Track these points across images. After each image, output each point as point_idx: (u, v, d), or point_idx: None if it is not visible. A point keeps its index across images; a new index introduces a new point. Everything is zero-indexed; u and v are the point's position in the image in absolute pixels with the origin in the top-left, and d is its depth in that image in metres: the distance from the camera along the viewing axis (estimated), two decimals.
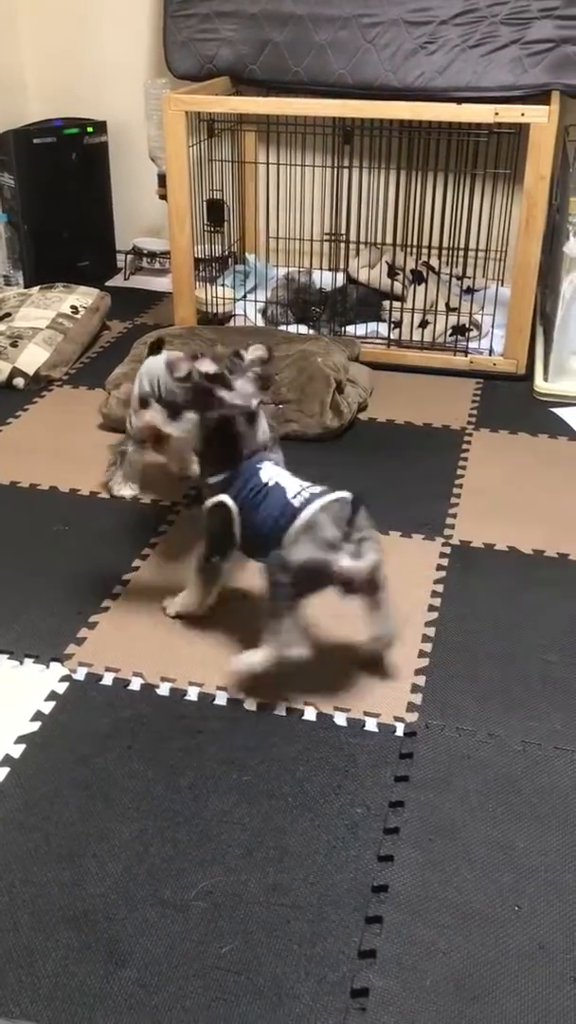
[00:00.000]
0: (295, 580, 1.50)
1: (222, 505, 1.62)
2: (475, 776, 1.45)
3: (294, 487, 1.59)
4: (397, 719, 1.56)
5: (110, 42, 3.53)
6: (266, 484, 1.60)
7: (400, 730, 1.54)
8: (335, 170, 3.28)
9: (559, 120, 2.63)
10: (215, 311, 3.07)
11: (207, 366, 1.59)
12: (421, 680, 1.65)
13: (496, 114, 2.57)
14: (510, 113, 2.57)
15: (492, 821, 1.38)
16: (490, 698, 1.61)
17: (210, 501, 1.64)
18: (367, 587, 1.55)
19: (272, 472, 1.62)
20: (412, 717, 1.56)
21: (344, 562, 1.48)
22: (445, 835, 1.35)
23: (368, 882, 1.28)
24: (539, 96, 2.90)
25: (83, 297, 3.05)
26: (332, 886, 1.27)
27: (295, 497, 1.56)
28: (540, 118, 2.54)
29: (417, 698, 1.60)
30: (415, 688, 1.63)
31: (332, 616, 1.81)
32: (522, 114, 2.56)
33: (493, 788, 1.43)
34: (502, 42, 2.95)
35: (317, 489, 1.58)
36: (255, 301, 3.15)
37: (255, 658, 1.57)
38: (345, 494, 1.54)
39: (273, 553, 1.53)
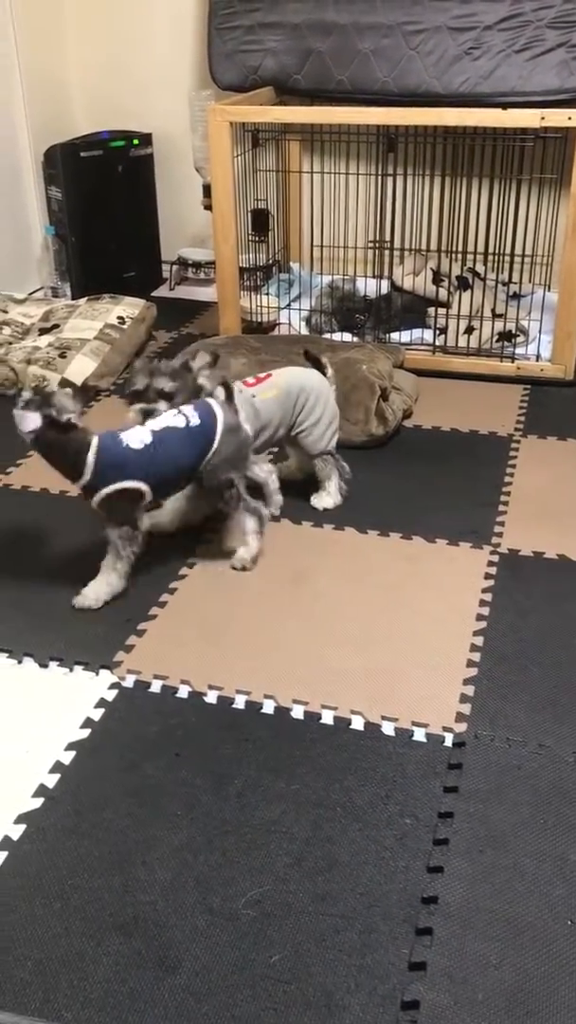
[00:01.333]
0: (235, 469, 1.93)
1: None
2: (525, 787, 1.44)
3: (172, 419, 1.89)
4: (446, 729, 1.55)
5: (155, 54, 3.57)
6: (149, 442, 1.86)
7: (449, 740, 1.53)
8: (379, 178, 3.28)
9: None
10: (260, 320, 3.09)
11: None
12: (470, 690, 1.63)
13: (542, 118, 2.55)
14: (557, 117, 2.55)
15: (543, 833, 1.36)
16: (540, 709, 1.59)
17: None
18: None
19: (138, 434, 1.87)
20: (461, 727, 1.55)
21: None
22: (495, 847, 1.34)
23: (418, 893, 1.27)
24: None
25: (129, 308, 3.08)
26: (381, 897, 1.27)
27: (185, 424, 1.89)
28: None
29: (466, 708, 1.59)
30: (464, 698, 1.61)
31: (380, 627, 1.81)
32: (569, 118, 2.53)
33: (544, 799, 1.41)
34: (548, 46, 2.92)
35: (188, 408, 1.93)
36: (299, 309, 3.16)
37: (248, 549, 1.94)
38: (219, 395, 1.91)
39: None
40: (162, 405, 1.98)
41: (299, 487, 2.27)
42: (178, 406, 1.96)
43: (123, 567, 1.87)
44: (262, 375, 2.15)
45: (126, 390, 2.04)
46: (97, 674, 1.68)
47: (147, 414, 1.97)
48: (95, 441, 1.80)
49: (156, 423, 1.89)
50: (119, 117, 3.67)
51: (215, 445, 1.88)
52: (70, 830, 1.37)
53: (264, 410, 2.08)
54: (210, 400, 1.95)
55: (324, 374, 2.17)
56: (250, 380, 2.13)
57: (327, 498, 2.21)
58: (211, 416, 1.90)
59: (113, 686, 1.65)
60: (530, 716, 1.57)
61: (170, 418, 1.90)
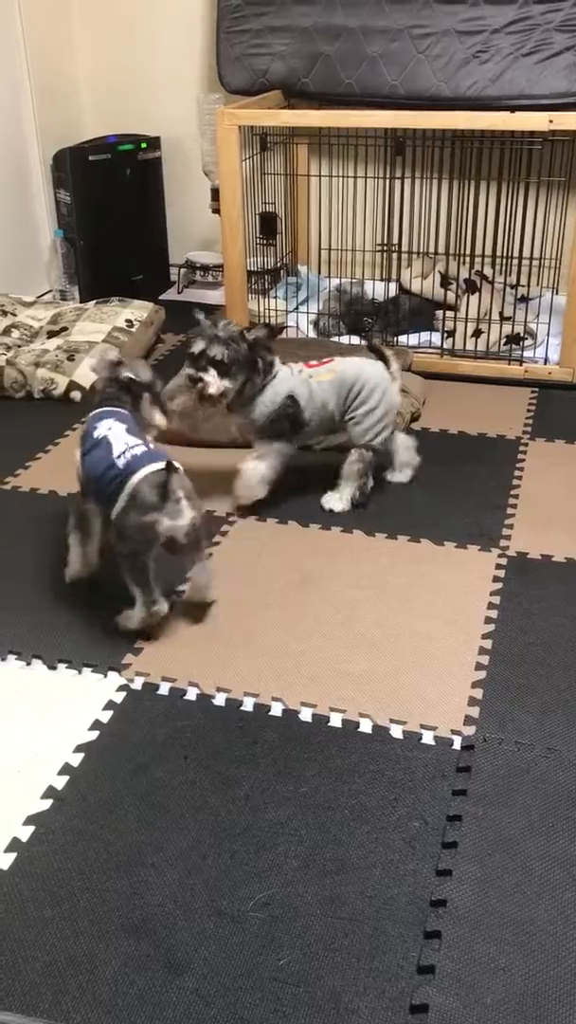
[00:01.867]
0: (130, 544, 1.68)
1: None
2: (534, 791, 1.43)
3: (120, 445, 1.73)
4: (454, 732, 1.55)
5: (164, 58, 3.58)
6: (97, 438, 1.77)
7: (457, 743, 1.53)
8: (387, 181, 3.28)
9: None
10: (268, 323, 3.09)
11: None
12: (478, 693, 1.63)
13: (551, 121, 2.55)
14: (565, 120, 2.55)
15: (552, 836, 1.36)
16: (549, 712, 1.59)
17: None
18: (189, 543, 1.72)
19: (106, 427, 1.78)
20: (469, 730, 1.55)
21: (165, 523, 1.67)
22: (504, 850, 1.34)
23: (426, 896, 1.27)
24: None
25: (138, 311, 3.09)
26: (390, 900, 1.27)
27: (119, 457, 1.71)
28: None
29: (474, 711, 1.59)
30: (472, 701, 1.61)
31: (389, 630, 1.81)
32: None
33: (553, 803, 1.41)
34: (556, 49, 2.92)
35: (139, 451, 1.72)
36: (307, 313, 3.16)
37: (131, 622, 1.75)
38: (159, 463, 1.67)
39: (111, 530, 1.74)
40: (211, 374, 2.01)
41: (310, 488, 2.27)
42: (234, 376, 2.02)
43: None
44: (325, 359, 2.20)
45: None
46: (106, 676, 1.68)
47: (194, 381, 2.03)
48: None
49: None
50: (128, 121, 3.68)
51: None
52: (79, 832, 1.37)
53: (318, 392, 2.12)
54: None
55: (387, 367, 2.18)
56: (313, 362, 2.18)
57: (337, 501, 2.22)
58: None
59: (121, 688, 1.66)
60: (539, 719, 1.57)
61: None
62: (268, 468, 2.15)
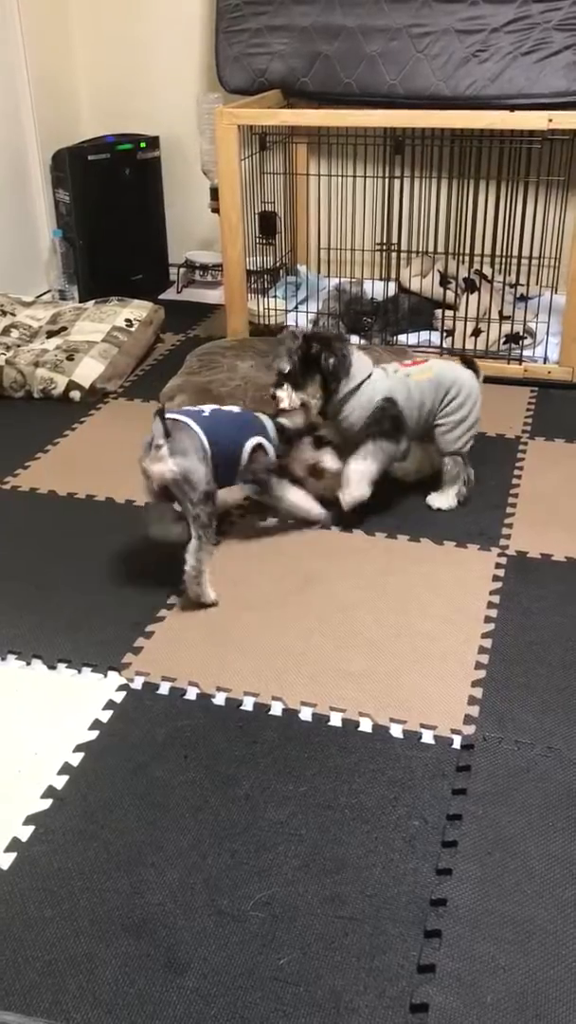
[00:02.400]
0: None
1: None
2: (534, 789, 1.43)
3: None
4: (454, 731, 1.55)
5: (162, 58, 3.58)
6: None
7: (457, 742, 1.53)
8: (386, 180, 3.28)
9: None
10: (267, 322, 3.09)
11: None
12: (478, 692, 1.63)
13: (550, 120, 2.55)
14: (565, 119, 2.55)
15: (552, 835, 1.36)
16: (549, 711, 1.59)
17: None
18: (178, 495, 1.86)
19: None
20: (469, 729, 1.55)
21: (146, 464, 1.85)
22: (504, 849, 1.34)
23: (426, 895, 1.27)
24: None
25: (137, 310, 3.09)
26: (390, 899, 1.27)
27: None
28: None
29: (474, 710, 1.59)
30: (472, 700, 1.61)
31: (388, 629, 1.81)
32: None
33: (553, 802, 1.41)
34: (555, 48, 2.92)
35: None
36: (307, 312, 3.16)
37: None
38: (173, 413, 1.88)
39: None
40: (284, 389, 2.03)
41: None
42: (308, 386, 2.02)
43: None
44: (420, 359, 2.18)
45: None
46: (105, 676, 1.69)
47: (273, 398, 2.06)
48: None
49: None
50: (126, 120, 3.68)
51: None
52: (79, 832, 1.37)
53: (416, 391, 2.08)
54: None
55: (477, 377, 2.16)
56: (407, 362, 2.16)
57: (443, 499, 2.19)
58: None
59: (121, 688, 1.66)
60: (539, 718, 1.57)
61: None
62: (374, 466, 2.08)
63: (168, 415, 1.85)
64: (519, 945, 1.20)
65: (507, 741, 1.52)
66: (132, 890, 1.28)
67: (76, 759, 1.50)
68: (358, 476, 2.08)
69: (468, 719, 1.57)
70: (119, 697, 1.63)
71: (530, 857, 1.32)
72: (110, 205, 3.50)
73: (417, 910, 1.25)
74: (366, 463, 2.08)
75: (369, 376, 2.07)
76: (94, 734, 1.55)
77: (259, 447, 1.98)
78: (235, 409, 2.02)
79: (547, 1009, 1.13)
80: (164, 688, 1.65)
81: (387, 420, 2.06)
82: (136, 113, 3.68)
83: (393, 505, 2.23)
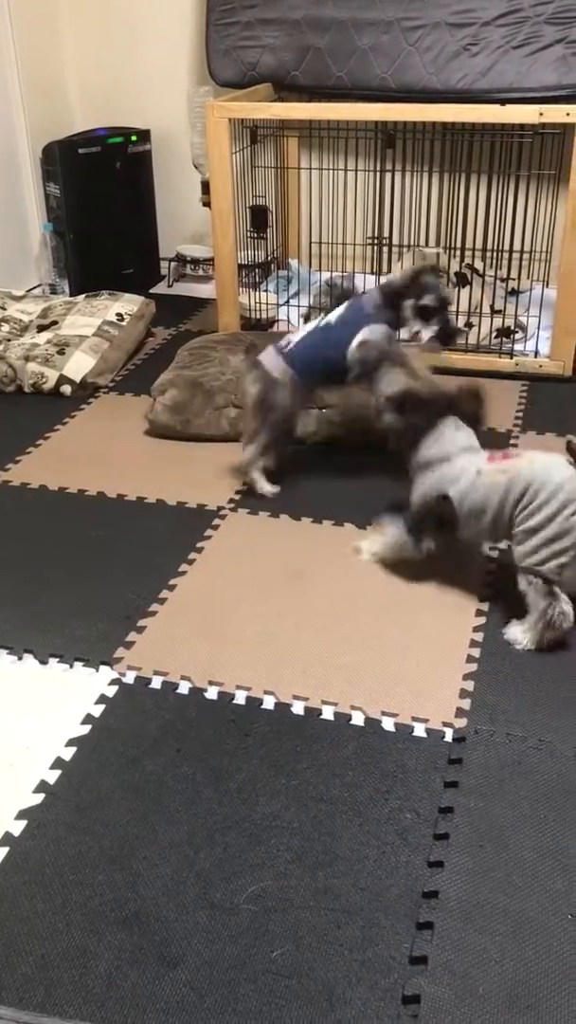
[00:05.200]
0: None
1: None
2: (526, 782, 1.44)
3: None
4: (446, 724, 1.55)
5: (153, 51, 3.56)
6: None
7: (449, 735, 1.53)
8: (377, 174, 3.28)
9: None
10: (258, 317, 3.09)
11: None
12: (470, 685, 1.63)
13: (541, 114, 2.55)
14: (555, 113, 2.55)
15: (544, 828, 1.36)
16: (540, 704, 1.59)
17: None
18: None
19: None
20: (461, 723, 1.55)
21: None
22: (496, 841, 1.34)
23: (418, 888, 1.27)
24: None
25: (128, 304, 3.08)
26: (382, 891, 1.27)
27: None
28: None
29: (466, 703, 1.59)
30: (464, 693, 1.62)
31: (380, 622, 1.81)
32: (567, 114, 2.53)
33: (544, 794, 1.42)
34: (546, 41, 2.92)
35: None
36: (298, 306, 3.16)
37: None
38: None
39: None
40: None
41: (301, 481, 2.27)
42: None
43: None
44: (513, 453, 1.80)
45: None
46: (97, 670, 1.68)
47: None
48: None
49: None
50: (117, 114, 3.66)
51: None
52: (71, 826, 1.37)
53: (478, 492, 1.75)
54: None
55: None
56: (497, 455, 1.80)
57: (521, 634, 1.73)
58: None
59: (113, 682, 1.65)
60: (530, 711, 1.58)
61: None
62: (390, 540, 1.93)
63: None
64: (510, 936, 1.21)
65: (499, 734, 1.53)
66: (125, 884, 1.28)
67: (68, 753, 1.50)
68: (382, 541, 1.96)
69: (460, 712, 1.58)
70: (111, 691, 1.63)
71: (521, 849, 1.33)
72: (101, 199, 3.48)
73: (409, 902, 1.26)
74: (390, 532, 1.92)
75: (447, 460, 1.81)
76: (86, 728, 1.55)
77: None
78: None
79: (538, 1000, 1.13)
80: (156, 682, 1.65)
81: (432, 517, 1.83)
82: (127, 106, 3.67)
83: (384, 498, 2.23)
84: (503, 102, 2.72)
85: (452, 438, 1.83)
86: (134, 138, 3.55)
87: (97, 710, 1.59)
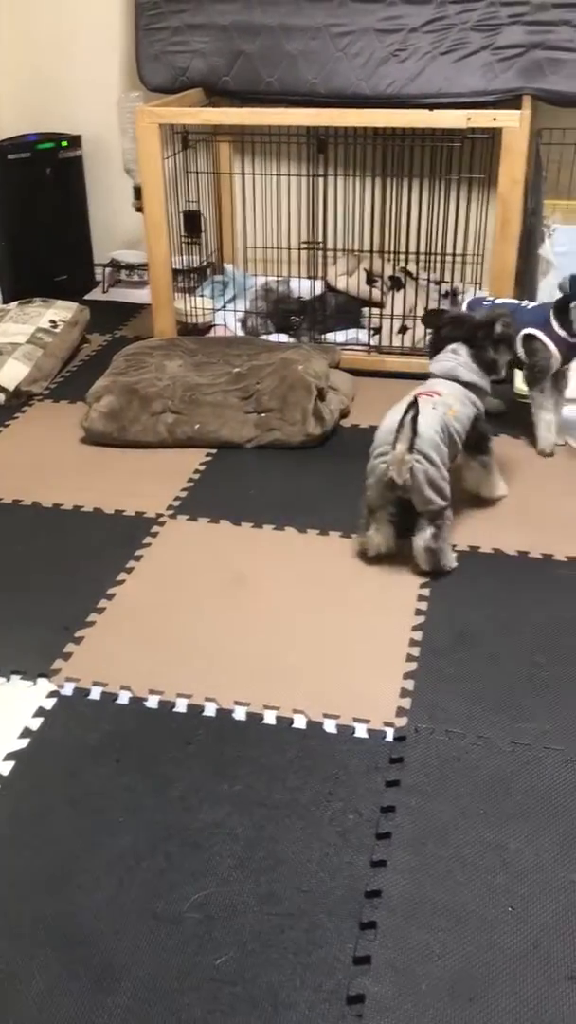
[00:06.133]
0: None
1: None
2: (466, 778, 1.46)
3: None
4: (387, 724, 1.56)
5: (83, 56, 3.53)
6: None
7: (390, 735, 1.54)
8: (311, 179, 3.30)
9: (531, 124, 2.65)
10: (195, 322, 3.08)
11: None
12: (410, 684, 1.65)
13: (468, 119, 2.59)
14: (482, 118, 2.59)
15: (484, 822, 1.38)
16: (479, 700, 1.61)
17: None
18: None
19: None
20: (401, 722, 1.57)
21: None
22: (437, 838, 1.35)
23: (361, 888, 1.28)
24: (511, 101, 2.92)
25: (62, 311, 3.04)
26: (326, 893, 1.27)
27: None
28: (512, 122, 2.55)
29: (406, 702, 1.61)
30: (404, 692, 1.63)
31: (321, 625, 1.82)
32: (494, 119, 2.57)
33: (484, 790, 1.44)
34: (472, 48, 2.97)
35: None
36: (235, 311, 3.16)
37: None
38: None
39: None
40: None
41: (239, 487, 2.26)
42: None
43: None
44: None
45: None
46: (35, 683, 1.66)
47: None
48: None
49: None
50: (47, 119, 3.62)
51: None
52: (9, 840, 1.35)
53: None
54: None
55: None
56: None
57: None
58: None
59: (52, 694, 1.63)
60: (468, 707, 1.59)
61: None
62: None
63: None
64: (452, 932, 1.22)
65: (438, 732, 1.55)
66: (66, 898, 1.27)
67: (6, 768, 1.48)
68: None
69: (400, 711, 1.59)
70: (49, 704, 1.61)
71: (462, 845, 1.34)
72: (32, 205, 3.44)
73: (353, 903, 1.26)
74: None
75: None
76: (24, 742, 1.53)
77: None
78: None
79: (480, 992, 1.15)
80: (96, 693, 1.64)
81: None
82: (57, 112, 3.63)
83: (323, 502, 2.24)
84: (432, 107, 2.75)
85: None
86: (64, 144, 3.52)
87: (35, 723, 1.57)
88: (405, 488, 1.88)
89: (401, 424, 1.87)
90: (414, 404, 1.88)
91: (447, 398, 2.02)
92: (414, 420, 1.86)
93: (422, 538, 1.92)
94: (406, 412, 1.87)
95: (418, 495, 1.89)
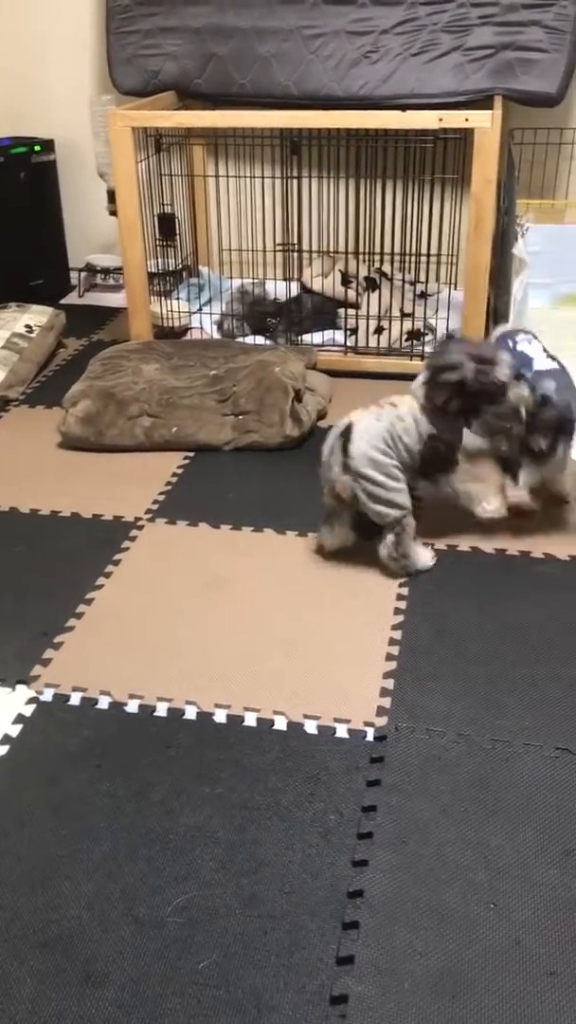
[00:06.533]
0: None
1: None
2: (446, 777, 1.46)
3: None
4: (367, 724, 1.56)
5: (55, 60, 3.52)
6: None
7: (371, 735, 1.54)
8: (285, 181, 3.30)
9: (502, 124, 2.66)
10: (171, 325, 3.07)
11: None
12: (390, 683, 1.65)
13: (440, 120, 2.60)
14: (454, 119, 2.60)
15: (465, 820, 1.39)
16: (458, 698, 1.62)
17: None
18: None
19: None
20: (382, 721, 1.57)
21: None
22: (418, 837, 1.36)
23: (343, 888, 1.28)
24: (482, 101, 2.94)
25: (37, 316, 3.03)
26: (308, 894, 1.27)
27: None
28: (484, 123, 2.57)
29: (386, 702, 1.61)
30: (384, 692, 1.63)
31: (300, 626, 1.82)
32: (466, 119, 2.59)
33: (464, 788, 1.44)
34: (443, 49, 2.98)
35: None
36: (211, 314, 3.16)
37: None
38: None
39: None
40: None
41: (216, 490, 2.26)
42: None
43: None
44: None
45: None
46: (14, 689, 1.65)
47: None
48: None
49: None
50: (19, 123, 3.61)
51: None
52: None
53: None
54: None
55: None
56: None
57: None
58: None
59: (31, 701, 1.62)
60: (448, 706, 1.60)
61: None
62: None
63: None
64: (434, 930, 1.22)
65: (419, 730, 1.55)
66: (47, 904, 1.26)
67: None
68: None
69: (381, 711, 1.59)
70: (28, 710, 1.60)
71: (443, 843, 1.35)
72: (6, 209, 3.42)
73: (335, 903, 1.26)
74: None
75: None
76: (3, 749, 1.52)
77: None
78: None
79: (462, 989, 1.15)
80: (75, 699, 1.63)
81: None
82: (30, 116, 3.61)
83: (301, 503, 2.24)
84: (404, 108, 2.76)
85: None
86: (37, 148, 3.50)
87: (15, 730, 1.56)
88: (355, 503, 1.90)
89: (332, 449, 1.89)
90: (348, 427, 1.89)
91: (400, 410, 1.97)
92: (344, 442, 1.88)
93: (384, 546, 1.93)
94: (339, 435, 1.88)
95: (368, 510, 1.90)
